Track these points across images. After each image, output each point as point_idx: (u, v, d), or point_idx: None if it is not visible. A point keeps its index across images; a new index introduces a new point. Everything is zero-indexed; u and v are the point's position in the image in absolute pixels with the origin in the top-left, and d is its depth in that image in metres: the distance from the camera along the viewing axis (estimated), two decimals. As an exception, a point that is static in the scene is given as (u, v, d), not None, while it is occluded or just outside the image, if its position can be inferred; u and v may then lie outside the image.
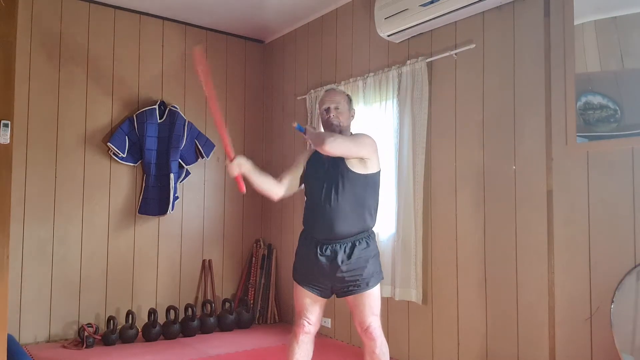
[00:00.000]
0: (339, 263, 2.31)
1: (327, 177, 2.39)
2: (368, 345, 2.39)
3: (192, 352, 3.73)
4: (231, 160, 2.32)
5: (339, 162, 2.38)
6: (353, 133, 2.53)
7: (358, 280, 2.33)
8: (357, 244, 2.35)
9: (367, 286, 2.35)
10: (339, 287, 2.37)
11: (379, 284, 2.42)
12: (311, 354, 2.49)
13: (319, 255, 2.35)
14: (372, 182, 2.42)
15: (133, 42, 4.37)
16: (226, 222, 4.80)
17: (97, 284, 4.11)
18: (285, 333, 4.21)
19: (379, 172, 2.47)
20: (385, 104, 3.63)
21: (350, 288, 2.35)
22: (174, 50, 4.58)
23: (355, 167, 2.36)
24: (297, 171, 2.55)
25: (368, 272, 2.35)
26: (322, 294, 2.42)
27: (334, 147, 2.27)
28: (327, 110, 2.48)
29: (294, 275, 2.50)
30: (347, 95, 2.56)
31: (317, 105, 2.72)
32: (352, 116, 2.55)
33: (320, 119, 2.57)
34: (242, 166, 2.34)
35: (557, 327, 2.66)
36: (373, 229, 2.46)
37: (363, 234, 2.38)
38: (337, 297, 2.44)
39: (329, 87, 2.67)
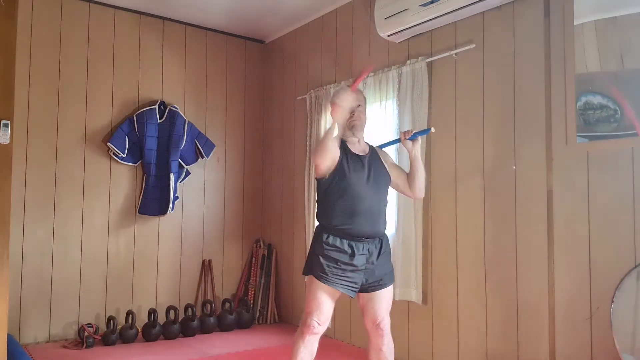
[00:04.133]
0: (374, 259, 2.39)
1: (371, 175, 2.44)
2: (375, 342, 2.41)
3: (192, 352, 3.73)
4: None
5: (383, 164, 2.52)
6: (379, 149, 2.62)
7: (387, 274, 2.44)
8: (384, 241, 2.46)
9: (390, 281, 2.47)
10: (370, 281, 2.41)
11: None
12: (315, 353, 2.49)
13: (357, 254, 2.36)
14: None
15: (133, 42, 4.36)
16: (226, 222, 4.80)
17: (97, 284, 4.11)
18: (286, 333, 4.21)
19: None
20: (385, 103, 3.63)
21: (380, 282, 2.42)
22: (174, 50, 4.58)
23: (389, 170, 2.55)
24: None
25: (391, 267, 2.50)
26: (354, 292, 2.42)
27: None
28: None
29: (322, 277, 2.36)
30: (364, 95, 2.64)
31: (338, 101, 2.42)
32: (366, 117, 2.62)
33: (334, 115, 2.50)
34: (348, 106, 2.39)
35: (557, 327, 2.66)
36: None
37: (384, 233, 2.50)
38: (363, 293, 2.45)
39: (342, 85, 2.64)
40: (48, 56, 3.98)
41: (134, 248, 4.30)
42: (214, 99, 4.79)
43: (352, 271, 2.36)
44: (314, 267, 2.40)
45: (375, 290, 2.42)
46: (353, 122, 2.48)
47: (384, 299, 2.44)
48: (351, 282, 2.37)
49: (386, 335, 2.43)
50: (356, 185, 2.39)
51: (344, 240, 2.36)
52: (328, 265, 2.36)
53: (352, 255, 2.34)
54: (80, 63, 4.11)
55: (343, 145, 2.47)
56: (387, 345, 2.42)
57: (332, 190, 2.41)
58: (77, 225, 4.05)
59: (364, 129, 2.56)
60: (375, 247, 2.41)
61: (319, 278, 2.37)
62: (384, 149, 2.69)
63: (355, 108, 2.48)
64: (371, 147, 2.58)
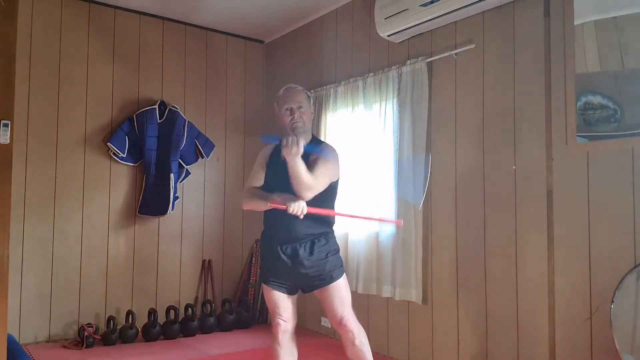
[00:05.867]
0: (302, 260, 2.35)
1: (289, 181, 2.28)
2: (346, 338, 2.43)
3: (192, 352, 3.73)
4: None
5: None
6: (319, 145, 2.48)
7: (322, 274, 2.38)
8: (316, 241, 2.38)
9: (332, 278, 2.39)
10: (305, 283, 2.42)
11: (344, 275, 2.45)
12: (295, 351, 2.53)
13: (281, 254, 2.37)
14: (332, 188, 2.45)
15: (133, 42, 4.36)
16: (226, 222, 4.80)
17: (97, 284, 4.11)
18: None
19: (338, 180, 2.49)
20: (385, 104, 3.63)
21: (315, 283, 2.40)
22: (174, 50, 4.57)
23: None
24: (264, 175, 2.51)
25: (330, 265, 2.39)
26: (288, 292, 2.46)
27: (313, 193, 2.26)
28: (290, 110, 2.43)
29: (262, 278, 2.55)
30: (307, 93, 2.57)
31: (276, 105, 2.51)
32: (312, 114, 2.57)
33: (280, 120, 2.48)
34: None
35: (557, 327, 2.66)
36: (332, 228, 2.50)
37: (322, 233, 2.42)
38: (303, 292, 2.48)
39: (287, 85, 2.55)
40: (48, 56, 3.97)
41: (134, 248, 4.30)
42: (214, 99, 4.79)
43: (281, 269, 2.39)
44: (259, 268, 2.52)
45: (318, 288, 2.40)
46: (294, 125, 2.42)
47: (334, 295, 2.40)
48: (280, 278, 2.42)
49: (353, 329, 2.40)
50: (272, 190, 2.37)
51: (272, 244, 2.42)
52: (265, 267, 2.53)
53: (278, 253, 2.37)
54: (80, 63, 4.11)
55: (276, 149, 2.46)
56: (358, 338, 2.41)
57: None
58: (77, 225, 4.05)
59: (310, 128, 2.51)
60: (304, 248, 2.35)
61: (261, 278, 2.51)
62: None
63: (295, 109, 2.43)
64: (308, 147, 2.36)
